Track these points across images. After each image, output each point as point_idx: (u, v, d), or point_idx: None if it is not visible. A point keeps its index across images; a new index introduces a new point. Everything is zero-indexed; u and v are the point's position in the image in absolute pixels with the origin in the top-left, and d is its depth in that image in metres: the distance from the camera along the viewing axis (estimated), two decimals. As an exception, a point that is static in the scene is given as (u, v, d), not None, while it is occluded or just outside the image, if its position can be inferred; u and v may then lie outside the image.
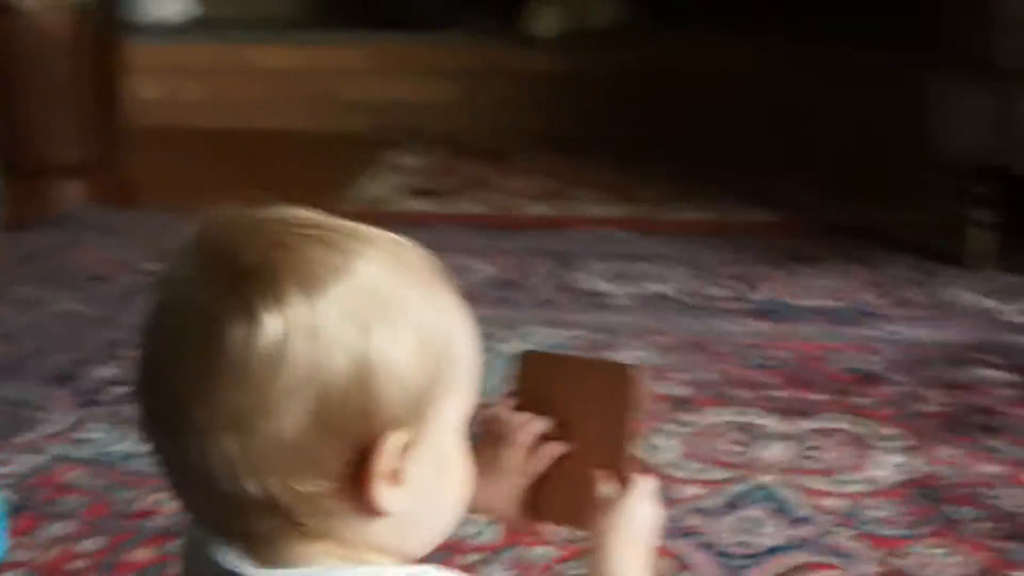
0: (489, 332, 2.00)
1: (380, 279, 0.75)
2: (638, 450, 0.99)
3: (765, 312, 2.19)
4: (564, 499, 1.02)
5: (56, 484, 1.68)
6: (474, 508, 1.00)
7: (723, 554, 1.48)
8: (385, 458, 0.74)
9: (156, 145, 3.48)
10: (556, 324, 2.15)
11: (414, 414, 0.75)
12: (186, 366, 0.73)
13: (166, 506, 1.55)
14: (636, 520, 0.98)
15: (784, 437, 1.74)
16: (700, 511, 1.56)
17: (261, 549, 0.77)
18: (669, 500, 1.54)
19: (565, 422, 1.01)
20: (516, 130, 3.39)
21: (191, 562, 0.82)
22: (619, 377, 0.98)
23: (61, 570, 1.49)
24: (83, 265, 2.55)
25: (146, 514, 1.58)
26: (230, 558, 0.77)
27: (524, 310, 2.24)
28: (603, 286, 2.33)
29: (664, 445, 1.72)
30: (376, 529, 0.77)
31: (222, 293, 0.72)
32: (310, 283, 0.72)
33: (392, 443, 0.74)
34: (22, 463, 1.73)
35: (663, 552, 1.45)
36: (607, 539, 0.97)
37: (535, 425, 1.02)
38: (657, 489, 1.00)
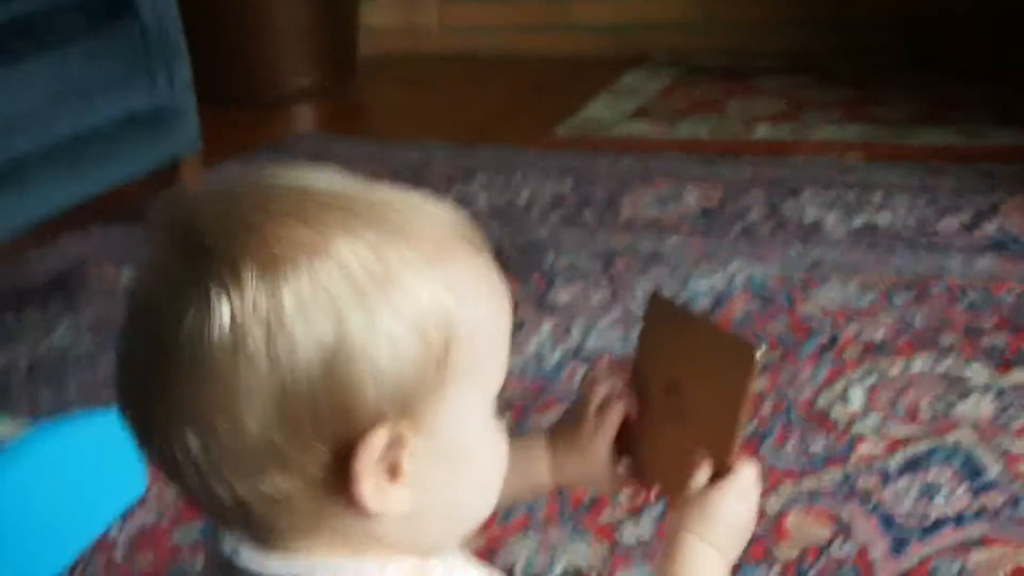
0: (687, 264, 1.96)
1: (363, 259, 0.65)
2: (742, 437, 0.87)
3: (993, 247, 1.98)
4: (663, 469, 0.92)
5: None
6: (565, 481, 0.96)
7: (890, 522, 1.32)
8: (368, 456, 0.65)
9: (388, 72, 3.47)
10: (760, 258, 2.01)
11: (404, 408, 0.66)
12: (148, 359, 0.66)
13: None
14: (721, 521, 0.86)
15: (987, 390, 1.55)
16: (875, 471, 1.41)
17: (258, 536, 0.70)
18: (841, 457, 1.41)
19: (675, 385, 0.90)
20: (755, 49, 3.21)
21: (207, 547, 0.77)
22: (743, 356, 0.85)
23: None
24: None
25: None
26: (229, 543, 0.72)
27: (728, 241, 2.10)
28: (819, 217, 2.16)
29: (849, 394, 1.57)
30: (380, 526, 0.69)
31: (181, 279, 0.64)
32: (272, 266, 0.63)
33: (377, 441, 0.65)
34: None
35: (823, 516, 1.32)
36: (681, 536, 0.86)
37: (603, 385, 0.92)
38: (755, 485, 0.87)
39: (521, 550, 1.33)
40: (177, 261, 0.65)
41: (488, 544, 1.33)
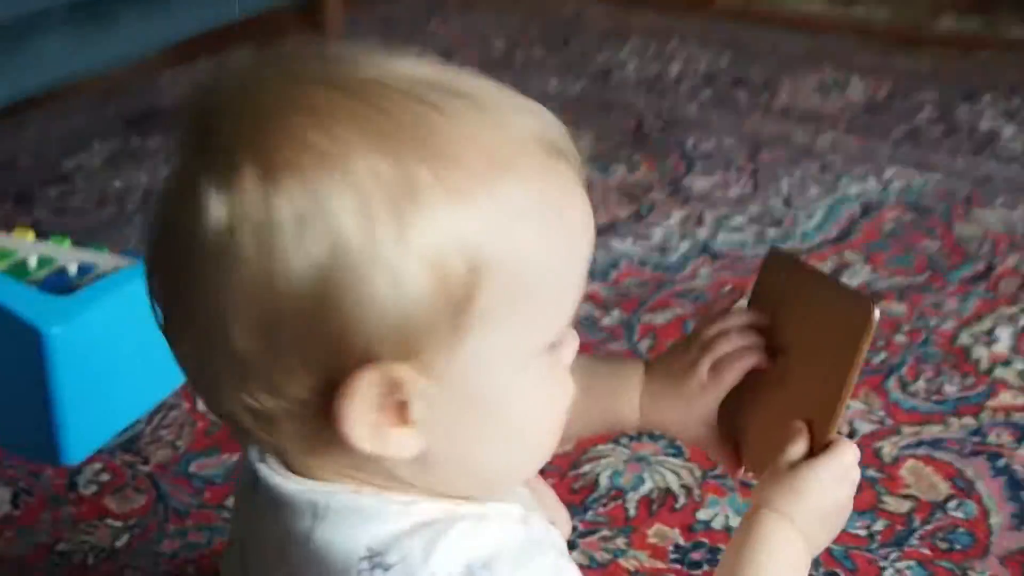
0: (840, 164, 1.80)
1: (381, 177, 0.56)
2: (845, 409, 0.76)
3: None
4: (757, 441, 0.82)
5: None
6: (654, 426, 0.87)
7: (1018, 487, 1.18)
8: (353, 396, 0.58)
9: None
10: (922, 165, 1.84)
11: (407, 350, 0.57)
12: (154, 252, 0.62)
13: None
14: (812, 502, 0.75)
15: None
16: (1011, 427, 1.27)
17: (276, 454, 0.65)
18: (975, 404, 1.28)
19: (784, 348, 0.80)
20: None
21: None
22: (858, 314, 0.74)
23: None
24: (438, 37, 2.40)
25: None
26: (254, 453, 0.66)
27: (890, 143, 1.93)
28: (996, 127, 1.97)
29: (996, 333, 1.42)
30: (390, 467, 0.62)
31: (188, 171, 0.58)
32: (275, 170, 0.56)
33: (363, 381, 0.57)
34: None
35: (943, 469, 1.19)
36: (763, 513, 0.75)
37: (726, 341, 0.82)
38: (855, 467, 0.76)
39: (609, 462, 1.23)
40: (188, 151, 0.59)
41: (576, 450, 1.23)
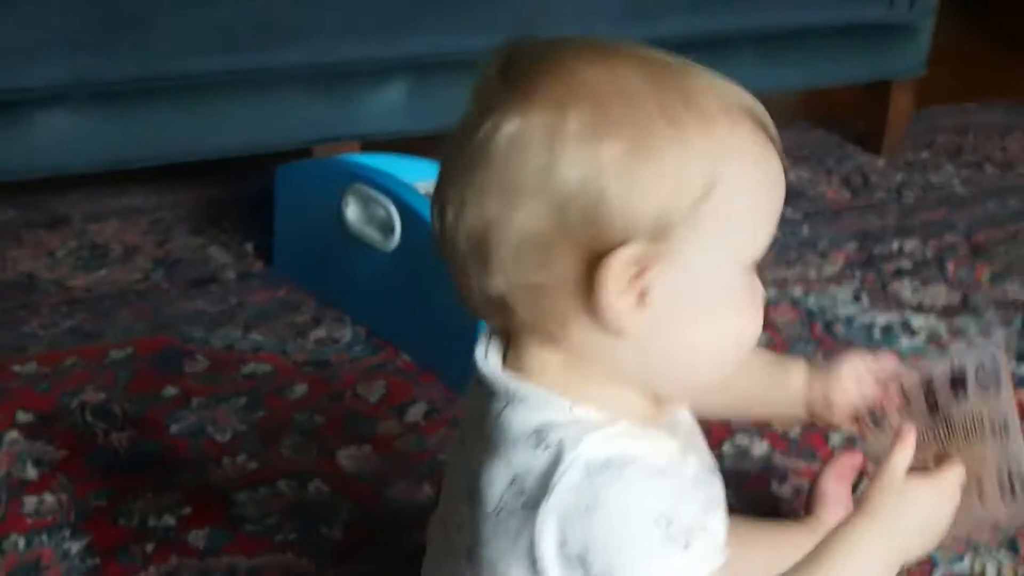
0: None
1: (654, 103, 0.76)
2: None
3: None
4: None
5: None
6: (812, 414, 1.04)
7: None
8: (617, 266, 0.75)
9: None
10: None
11: (657, 232, 0.75)
12: (455, 154, 0.79)
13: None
14: (908, 516, 0.88)
15: None
16: None
17: (504, 343, 0.84)
18: None
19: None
20: None
21: None
22: None
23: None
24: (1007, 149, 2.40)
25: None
26: (480, 351, 0.85)
27: None
28: None
29: None
30: (617, 351, 0.79)
31: (491, 96, 0.78)
32: (567, 91, 0.76)
33: (628, 252, 0.75)
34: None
35: None
36: (856, 516, 0.88)
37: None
38: (958, 492, 0.90)
39: None
40: (492, 82, 0.79)
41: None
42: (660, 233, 0.75)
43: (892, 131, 2.34)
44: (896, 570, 0.88)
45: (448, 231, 0.79)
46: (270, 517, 1.31)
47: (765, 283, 0.83)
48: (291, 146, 1.88)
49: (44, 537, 1.26)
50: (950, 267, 1.91)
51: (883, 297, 1.81)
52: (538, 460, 0.78)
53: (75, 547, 1.24)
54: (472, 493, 0.83)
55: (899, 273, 1.88)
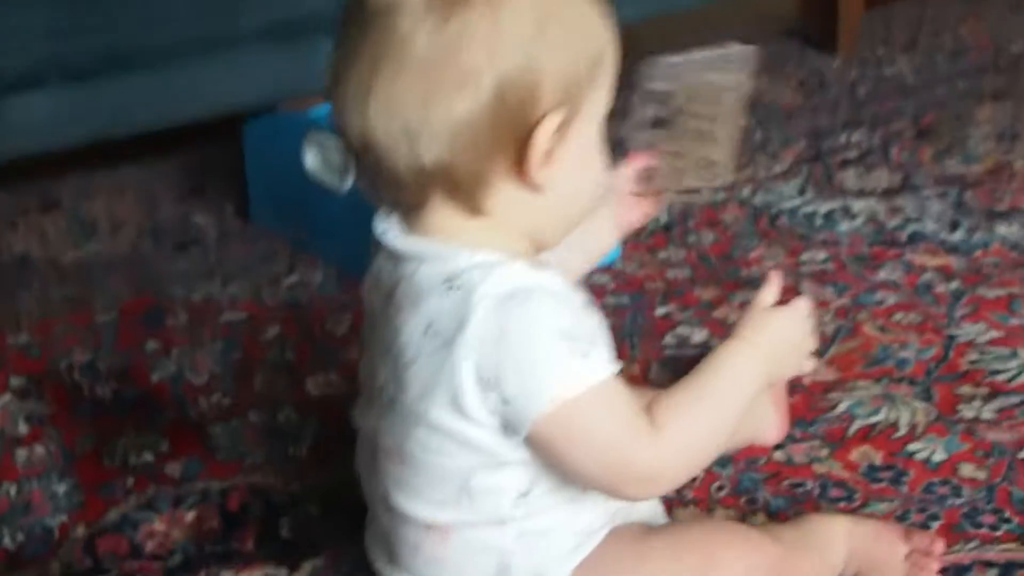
0: None
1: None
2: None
3: None
4: None
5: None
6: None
7: None
8: (544, 135, 0.89)
9: None
10: None
11: (569, 99, 0.90)
12: (374, 53, 0.89)
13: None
14: (769, 330, 1.02)
15: None
16: None
17: (411, 217, 0.95)
18: None
19: None
20: None
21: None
22: None
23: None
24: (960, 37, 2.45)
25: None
26: (382, 223, 0.97)
27: None
28: None
29: None
30: (530, 208, 0.93)
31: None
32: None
33: (551, 122, 0.90)
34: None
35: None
36: (730, 341, 1.02)
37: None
38: (808, 314, 1.05)
39: (858, 395, 1.42)
40: None
41: (838, 382, 1.44)
42: (571, 97, 0.90)
43: (845, 31, 2.40)
44: (769, 385, 1.07)
45: (371, 122, 0.90)
46: (241, 444, 1.42)
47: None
48: (260, 104, 1.98)
49: (34, 483, 1.38)
50: (894, 152, 1.98)
51: (828, 187, 1.89)
52: (449, 301, 0.91)
53: (62, 488, 1.36)
54: (389, 352, 0.96)
55: (845, 164, 1.96)
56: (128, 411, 1.50)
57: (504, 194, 0.92)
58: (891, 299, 1.59)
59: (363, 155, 0.93)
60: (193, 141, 2.12)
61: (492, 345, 0.89)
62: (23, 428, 1.47)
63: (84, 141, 1.95)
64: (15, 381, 1.56)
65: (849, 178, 1.91)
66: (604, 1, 0.94)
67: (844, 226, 1.78)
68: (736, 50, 1.06)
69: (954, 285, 1.61)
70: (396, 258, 0.96)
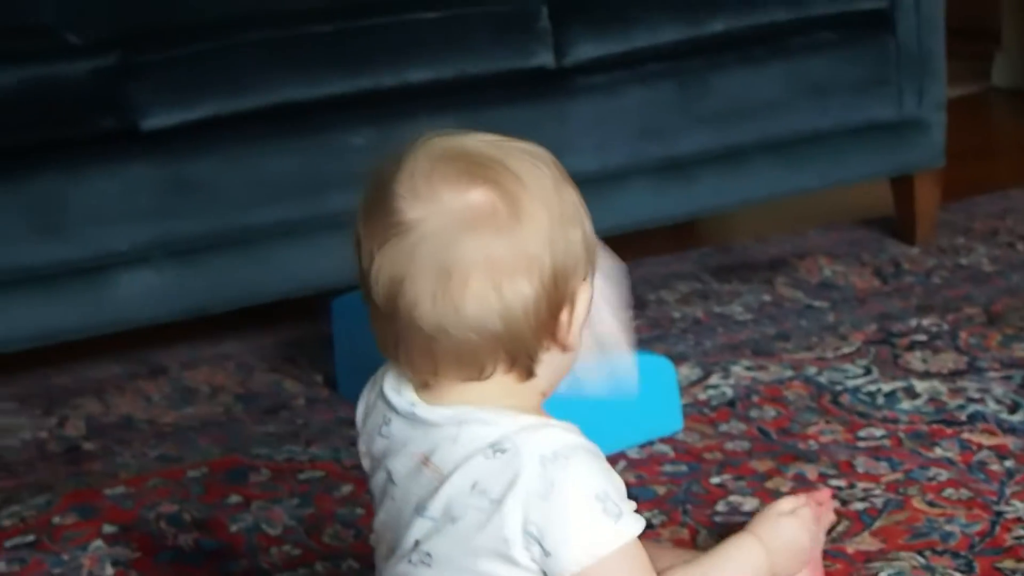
0: None
1: (553, 169, 1.02)
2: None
3: None
4: None
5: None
6: None
7: None
8: (584, 302, 1.02)
9: None
10: None
11: (590, 268, 1.03)
12: (388, 232, 1.00)
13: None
14: (781, 534, 1.13)
15: None
16: None
17: (432, 394, 1.04)
18: None
19: None
20: None
21: (369, 392, 1.13)
22: None
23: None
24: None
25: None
26: (403, 402, 1.05)
27: None
28: None
29: None
30: (559, 365, 1.05)
31: (467, 195, 0.98)
32: (526, 181, 0.99)
33: (586, 291, 1.03)
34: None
35: None
36: (741, 533, 1.12)
37: None
38: (815, 521, 1.19)
39: (900, 565, 1.46)
40: (463, 186, 0.99)
41: (878, 551, 1.48)
42: (591, 265, 1.03)
43: (923, 221, 2.47)
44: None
45: (432, 314, 0.98)
46: (305, 592, 1.50)
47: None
48: (347, 282, 2.11)
49: (113, 618, 1.47)
50: (963, 336, 2.03)
51: (893, 368, 1.94)
52: (497, 463, 1.00)
53: (138, 625, 1.45)
54: (425, 510, 1.04)
55: (912, 346, 2.01)
56: (205, 559, 1.59)
57: (545, 358, 1.03)
58: (943, 475, 1.62)
59: (429, 340, 1.00)
60: (288, 316, 2.26)
61: (539, 500, 0.98)
62: (109, 570, 1.57)
63: (186, 314, 2.11)
64: (107, 528, 1.67)
65: (915, 360, 1.96)
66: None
67: (905, 404, 1.82)
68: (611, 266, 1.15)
69: (1008, 464, 1.63)
70: (426, 425, 1.04)
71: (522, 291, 0.98)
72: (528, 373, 1.03)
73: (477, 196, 0.98)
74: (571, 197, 1.02)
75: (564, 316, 1.01)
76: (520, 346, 1.00)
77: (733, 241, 2.59)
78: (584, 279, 1.03)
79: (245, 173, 2.04)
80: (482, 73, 2.16)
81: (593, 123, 2.20)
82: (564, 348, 1.03)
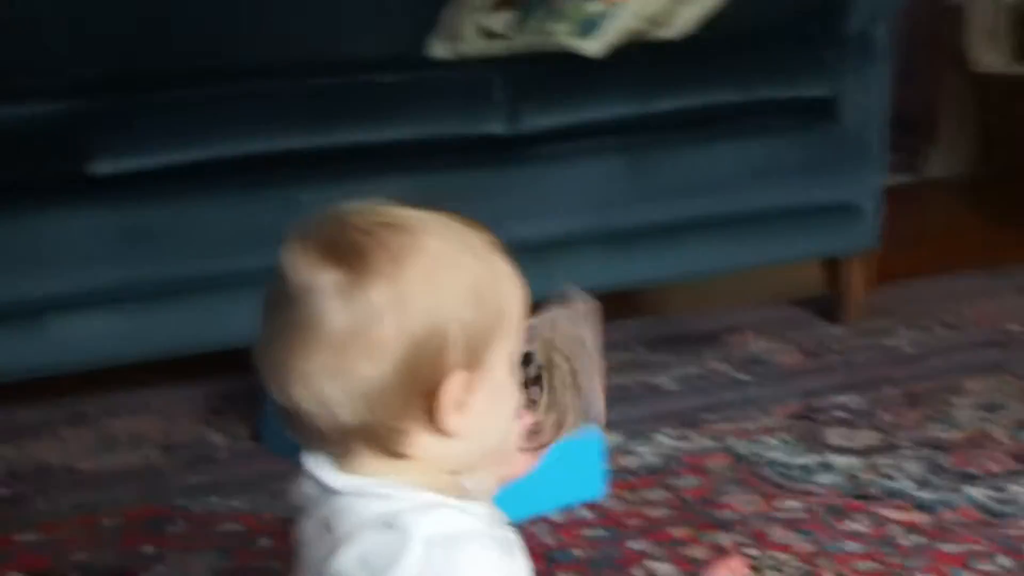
0: None
1: (444, 251, 0.97)
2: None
3: None
4: None
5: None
6: None
7: None
8: (451, 392, 0.95)
9: None
10: None
11: (473, 357, 0.96)
12: (290, 330, 0.96)
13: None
14: None
15: None
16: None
17: (341, 461, 1.00)
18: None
19: None
20: None
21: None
22: None
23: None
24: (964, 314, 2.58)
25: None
26: (314, 465, 1.01)
27: None
28: None
29: None
30: (449, 450, 0.99)
31: (321, 274, 0.95)
32: (392, 262, 0.95)
33: (457, 379, 0.96)
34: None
35: None
36: None
37: None
38: None
39: None
40: (314, 261, 0.95)
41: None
42: (476, 352, 0.97)
43: (851, 302, 2.52)
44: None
45: (292, 394, 0.96)
46: (215, 642, 1.49)
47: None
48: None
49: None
50: (881, 415, 2.06)
51: (812, 442, 1.97)
52: (385, 539, 0.97)
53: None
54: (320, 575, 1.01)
55: (832, 422, 2.04)
56: (116, 608, 1.58)
57: (422, 441, 0.99)
58: (854, 548, 1.64)
59: (290, 417, 0.99)
60: (219, 368, 2.25)
61: None
62: (15, 617, 1.55)
63: (119, 361, 2.10)
64: (17, 575, 1.65)
65: (834, 436, 1.99)
66: (502, 252, 1.00)
67: (822, 479, 1.84)
68: (582, 307, 1.15)
69: (916, 539, 1.66)
70: (330, 491, 1.02)
71: (364, 373, 0.95)
72: (394, 455, 0.99)
73: (330, 277, 0.95)
74: (464, 280, 0.97)
75: (439, 403, 0.96)
76: (371, 431, 0.97)
77: (669, 312, 2.61)
78: (474, 366, 0.97)
79: (193, 223, 2.05)
80: (437, 137, 2.18)
81: (543, 192, 2.23)
82: (445, 434, 0.98)
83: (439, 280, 0.96)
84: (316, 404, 0.96)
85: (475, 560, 0.96)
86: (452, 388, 0.96)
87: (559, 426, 1.15)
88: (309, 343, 0.95)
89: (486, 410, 0.99)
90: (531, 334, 1.12)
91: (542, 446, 1.18)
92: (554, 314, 1.15)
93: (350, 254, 0.95)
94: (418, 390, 0.95)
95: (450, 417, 0.96)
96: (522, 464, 1.19)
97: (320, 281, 0.95)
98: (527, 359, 1.11)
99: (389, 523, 0.97)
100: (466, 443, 0.99)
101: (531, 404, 1.14)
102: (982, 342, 2.39)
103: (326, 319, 0.94)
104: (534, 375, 1.13)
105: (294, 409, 0.97)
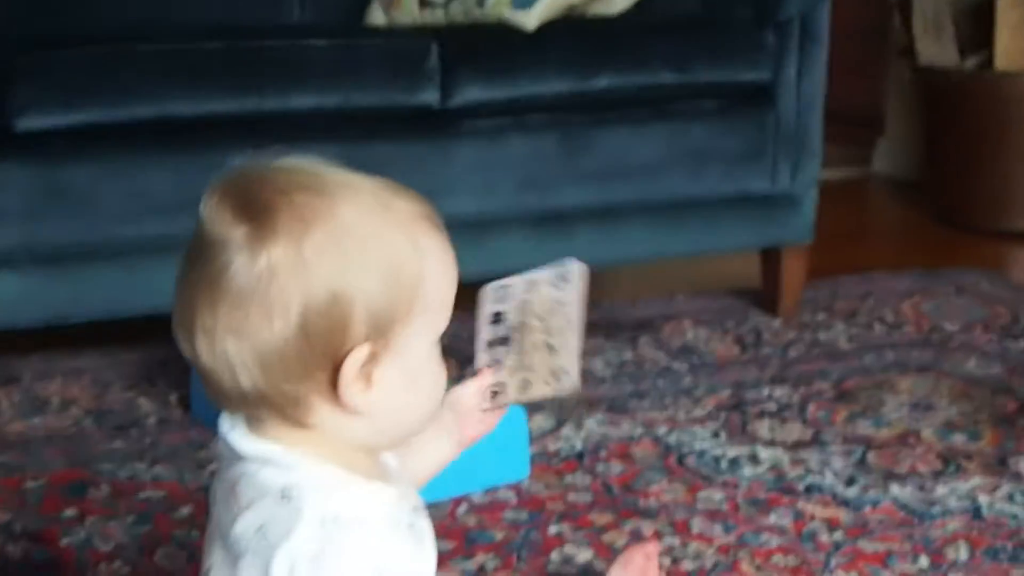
0: None
1: (360, 220, 0.95)
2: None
3: None
4: None
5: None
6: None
7: None
8: (352, 365, 0.94)
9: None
10: None
11: (380, 332, 0.95)
12: (199, 283, 0.96)
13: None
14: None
15: None
16: None
17: (253, 425, 1.00)
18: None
19: None
20: None
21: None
22: None
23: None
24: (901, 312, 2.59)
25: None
26: (227, 427, 1.02)
27: None
28: None
29: None
30: (355, 426, 0.98)
31: (232, 229, 0.95)
32: (300, 224, 0.94)
33: (359, 354, 0.95)
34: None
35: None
36: None
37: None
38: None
39: None
40: (227, 216, 0.95)
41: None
42: (385, 329, 0.96)
43: (788, 295, 2.53)
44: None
45: (196, 349, 0.96)
46: (129, 611, 1.49)
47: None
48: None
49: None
50: (811, 409, 2.08)
51: (740, 434, 1.98)
52: (282, 510, 0.97)
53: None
54: (224, 539, 1.02)
55: (762, 415, 2.05)
56: (32, 571, 1.57)
57: (325, 413, 0.98)
58: (774, 542, 1.66)
59: (204, 377, 0.99)
60: (151, 334, 2.23)
61: (306, 563, 0.95)
62: (-72, 577, 1.54)
63: (46, 323, 2.08)
64: (-67, 534, 1.64)
65: (763, 428, 2.00)
66: (438, 229, 0.99)
67: (747, 471, 1.86)
68: (571, 268, 1.15)
69: (837, 536, 1.67)
70: (239, 456, 1.01)
71: (263, 335, 0.94)
72: (297, 424, 0.98)
73: (239, 232, 0.95)
74: (376, 253, 0.96)
75: (341, 376, 0.95)
76: (270, 397, 0.97)
77: (603, 299, 2.62)
78: (382, 342, 0.96)
79: (120, 184, 2.03)
80: (367, 105, 2.17)
81: (474, 167, 2.23)
82: (347, 409, 0.97)
83: (346, 248, 0.94)
84: (220, 363, 0.96)
85: (361, 544, 0.96)
86: (354, 362, 0.95)
87: (525, 387, 1.15)
88: (216, 297, 0.95)
89: (397, 389, 0.98)
90: (505, 295, 1.12)
91: (503, 406, 1.19)
92: (536, 276, 1.15)
93: (261, 212, 0.94)
94: (318, 359, 0.95)
95: (352, 391, 0.96)
96: (483, 425, 1.21)
97: (229, 235, 0.95)
98: (496, 318, 1.12)
99: (287, 495, 0.97)
100: (372, 420, 0.99)
101: (495, 364, 1.15)
102: (918, 341, 2.42)
103: (229, 273, 0.94)
104: (502, 335, 1.13)
105: (202, 368, 0.98)
